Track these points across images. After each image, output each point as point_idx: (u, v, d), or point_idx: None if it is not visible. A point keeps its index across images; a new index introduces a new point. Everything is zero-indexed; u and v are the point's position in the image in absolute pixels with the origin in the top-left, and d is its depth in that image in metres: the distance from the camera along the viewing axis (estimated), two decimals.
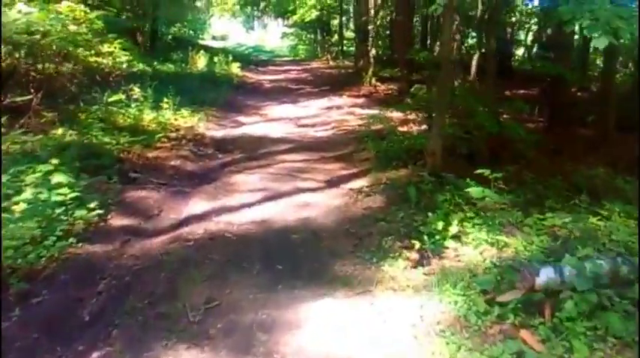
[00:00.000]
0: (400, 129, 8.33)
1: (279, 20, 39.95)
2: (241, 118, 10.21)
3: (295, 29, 32.30)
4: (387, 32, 17.11)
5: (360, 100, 12.58)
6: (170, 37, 24.98)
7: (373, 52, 14.46)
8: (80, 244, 4.08)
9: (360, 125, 9.30)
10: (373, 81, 14.13)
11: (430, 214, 4.43)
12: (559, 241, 3.96)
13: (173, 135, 8.21)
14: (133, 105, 8.74)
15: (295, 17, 28.32)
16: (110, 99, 8.60)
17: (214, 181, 6.08)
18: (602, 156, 7.43)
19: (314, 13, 26.12)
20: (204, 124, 9.25)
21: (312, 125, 9.61)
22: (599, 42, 3.69)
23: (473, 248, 3.96)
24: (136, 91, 8.80)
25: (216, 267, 3.91)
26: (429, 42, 16.90)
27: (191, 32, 29.34)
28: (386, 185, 5.38)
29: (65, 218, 4.34)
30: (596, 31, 3.73)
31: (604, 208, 4.69)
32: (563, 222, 4.27)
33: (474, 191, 4.46)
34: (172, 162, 6.84)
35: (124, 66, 8.10)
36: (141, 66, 8.15)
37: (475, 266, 3.68)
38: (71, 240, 4.08)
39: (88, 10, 8.37)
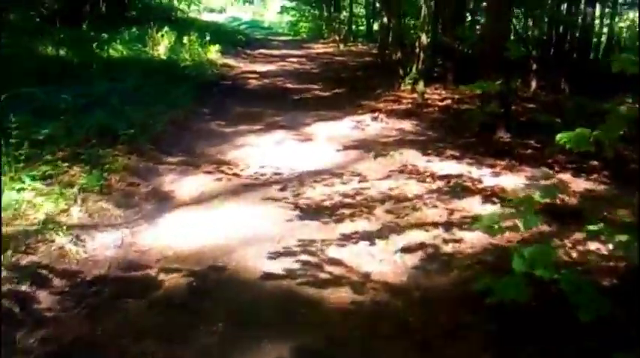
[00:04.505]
0: (574, 256, 3.02)
1: None
2: (179, 182, 4.83)
3: (297, 2, 26.98)
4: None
5: (409, 125, 7.23)
6: (139, 5, 19.52)
7: (424, 38, 9.01)
8: None
9: (444, 224, 3.94)
10: (421, 86, 8.79)
11: None
12: None
13: None
14: None
15: None
16: None
17: None
18: None
19: None
20: (77, 211, 3.92)
21: (335, 217, 4.17)
22: None
23: None
24: None
25: None
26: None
27: (172, 2, 23.70)
28: None
29: None
30: None
31: None
32: None
33: None
34: None
35: None
36: None
37: None
38: None
39: None
